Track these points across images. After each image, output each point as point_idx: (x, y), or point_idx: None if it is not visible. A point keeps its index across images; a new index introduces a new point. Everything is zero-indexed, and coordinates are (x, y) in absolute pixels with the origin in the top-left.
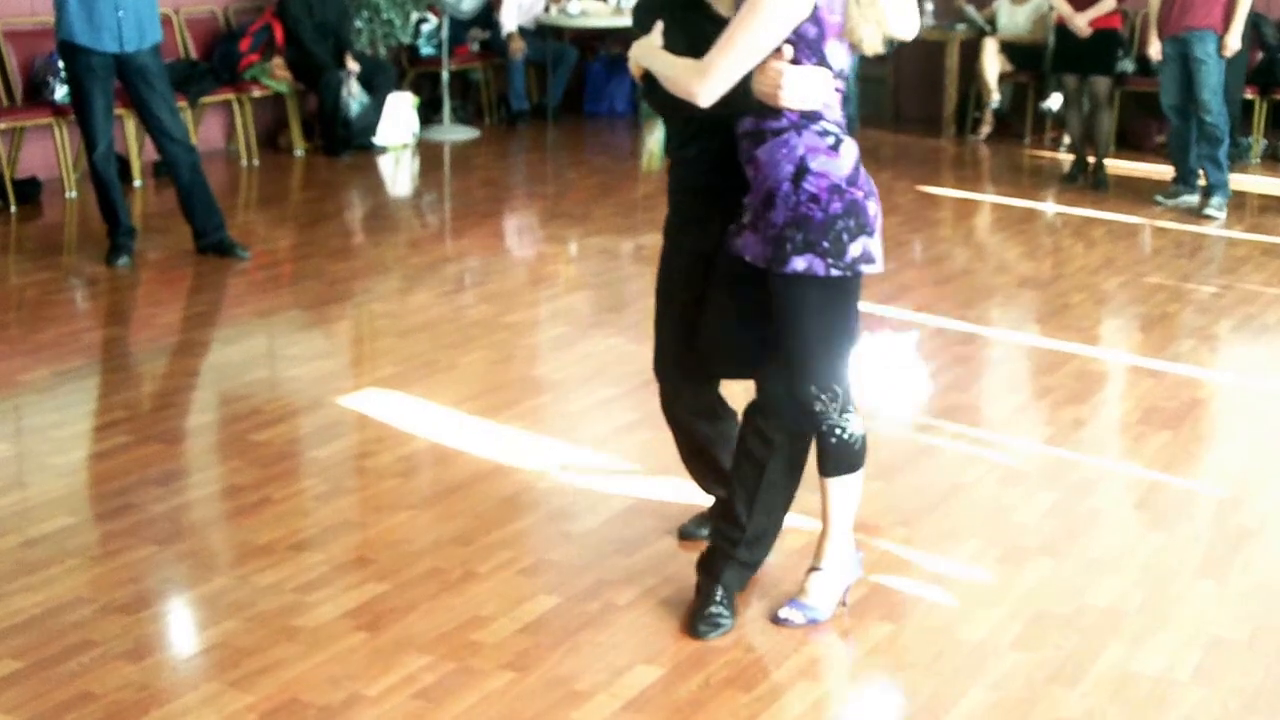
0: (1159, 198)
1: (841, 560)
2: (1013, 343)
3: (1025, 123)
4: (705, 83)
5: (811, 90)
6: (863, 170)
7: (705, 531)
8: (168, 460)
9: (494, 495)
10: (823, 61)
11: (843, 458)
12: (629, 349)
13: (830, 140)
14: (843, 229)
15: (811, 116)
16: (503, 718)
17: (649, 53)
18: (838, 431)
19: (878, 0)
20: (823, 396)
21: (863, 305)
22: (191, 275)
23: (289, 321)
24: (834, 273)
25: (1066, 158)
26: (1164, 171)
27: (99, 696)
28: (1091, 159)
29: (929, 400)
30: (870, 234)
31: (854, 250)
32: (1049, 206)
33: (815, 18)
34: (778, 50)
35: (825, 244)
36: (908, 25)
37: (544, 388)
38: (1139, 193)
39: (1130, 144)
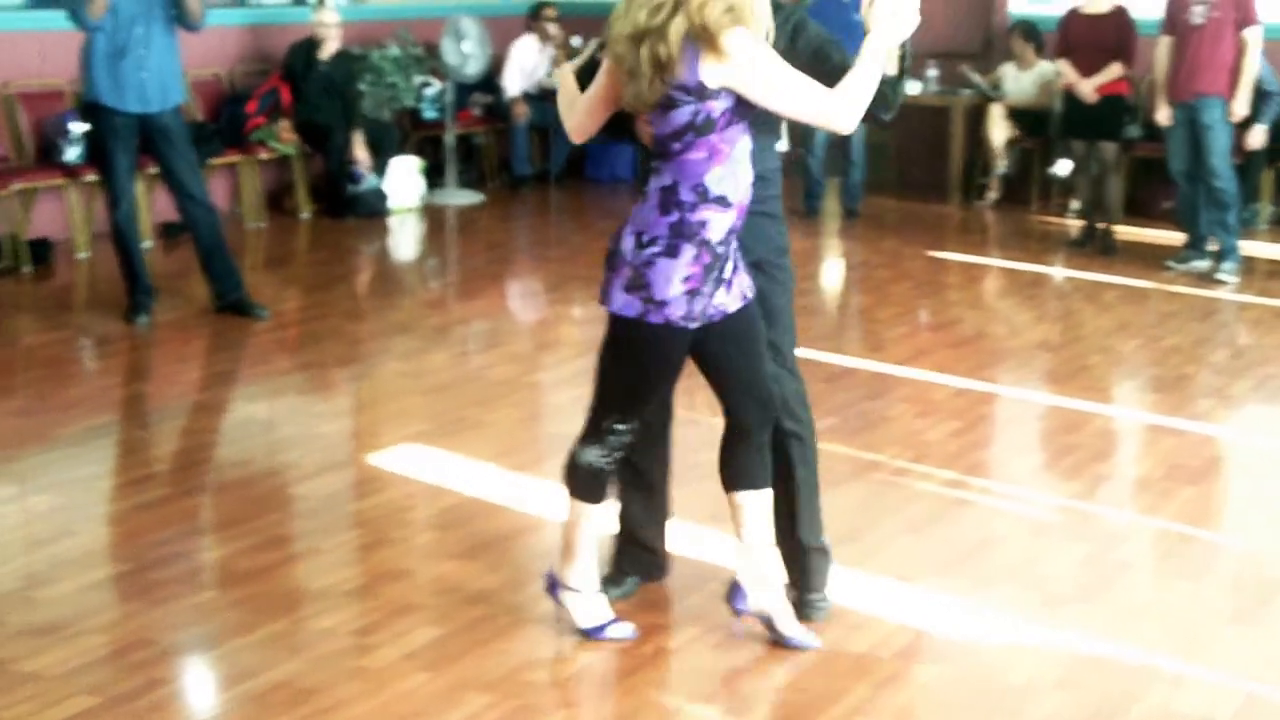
0: (1170, 263)
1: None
2: (1034, 403)
3: (1032, 188)
4: (569, 125)
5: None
6: None
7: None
8: (211, 512)
9: (537, 547)
10: None
11: None
12: None
13: None
14: None
15: None
16: None
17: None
18: None
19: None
20: None
21: (883, 366)
22: (210, 334)
23: (313, 379)
24: None
25: (1074, 223)
26: (1172, 237)
27: None
28: (1100, 224)
29: (956, 457)
30: None
31: None
32: (1059, 271)
33: None
34: None
35: None
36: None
37: None
38: (1148, 258)
39: (1138, 209)
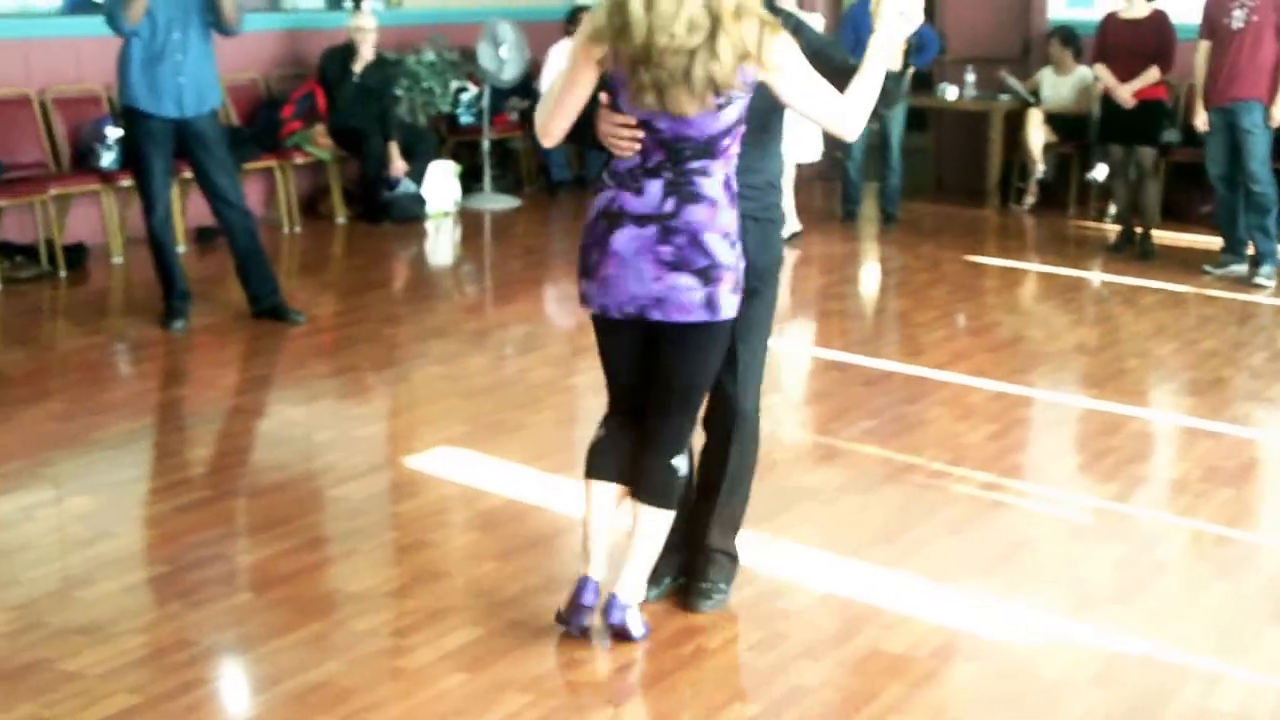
0: (1208, 267)
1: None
2: (1071, 406)
3: (1069, 193)
4: (538, 124)
5: (605, 133)
6: (600, 221)
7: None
8: (250, 514)
9: (575, 548)
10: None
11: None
12: None
13: (599, 188)
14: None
15: (606, 165)
16: None
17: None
18: None
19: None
20: None
21: (921, 370)
22: (247, 339)
23: (351, 383)
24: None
25: (1112, 228)
26: (1210, 241)
27: None
28: (1138, 229)
29: (993, 459)
30: (586, 277)
31: (580, 287)
32: (1096, 276)
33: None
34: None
35: None
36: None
37: None
38: (1186, 262)
39: (1176, 214)
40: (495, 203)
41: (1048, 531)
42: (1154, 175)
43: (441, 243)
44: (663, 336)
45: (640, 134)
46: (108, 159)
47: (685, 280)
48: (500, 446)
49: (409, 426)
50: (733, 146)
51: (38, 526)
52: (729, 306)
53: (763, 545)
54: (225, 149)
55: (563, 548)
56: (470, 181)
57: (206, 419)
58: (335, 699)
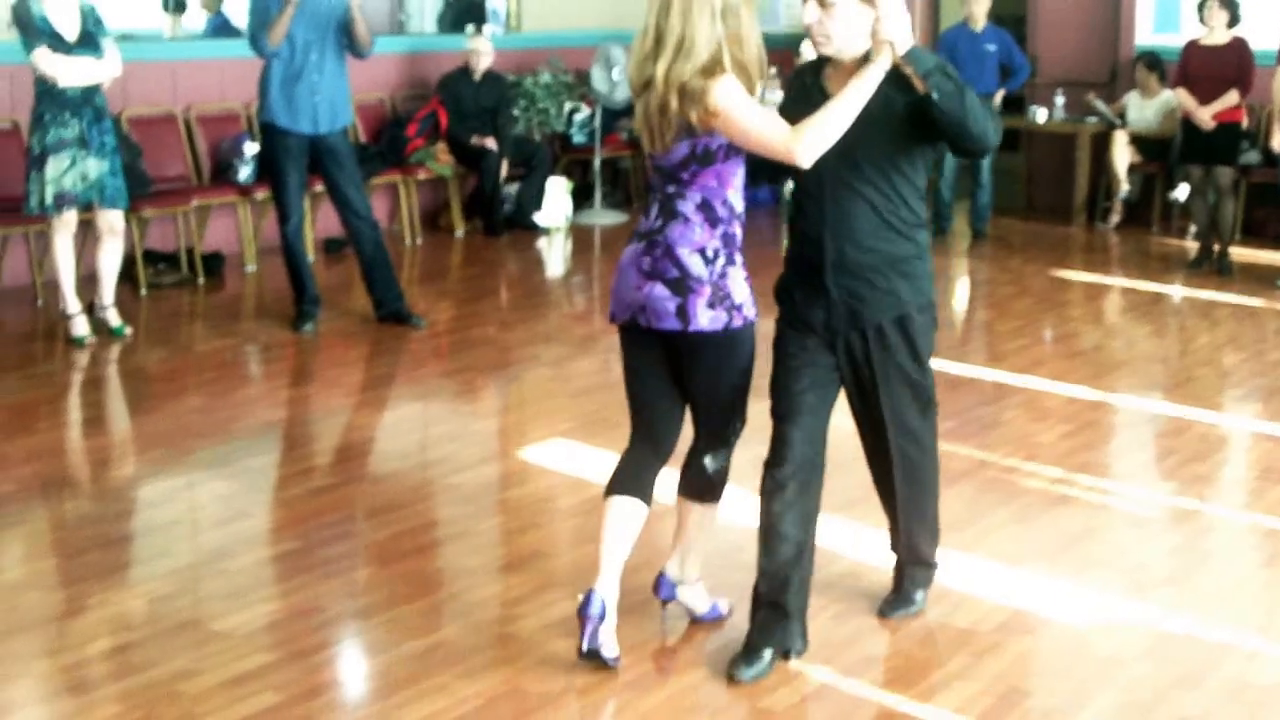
0: None
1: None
2: (1139, 410)
3: (1153, 211)
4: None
5: None
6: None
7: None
8: (374, 498)
9: (667, 533)
10: None
11: None
12: None
13: None
14: None
15: None
16: (696, 706)
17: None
18: None
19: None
20: None
21: (1002, 375)
22: (371, 341)
23: (466, 383)
24: None
25: (1193, 245)
26: None
27: (344, 683)
28: (1216, 246)
29: (1064, 457)
30: None
31: None
32: (1175, 290)
33: None
34: None
35: None
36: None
37: None
38: (1263, 279)
39: (1256, 232)
40: (605, 218)
41: (1109, 522)
42: (1231, 194)
43: (554, 256)
44: (679, 351)
45: None
46: (244, 173)
47: (660, 290)
48: (603, 440)
49: (519, 422)
50: (700, 180)
51: (183, 506)
52: (705, 319)
53: (846, 530)
54: (355, 164)
55: (661, 531)
56: (581, 198)
57: (333, 413)
58: (453, 659)
